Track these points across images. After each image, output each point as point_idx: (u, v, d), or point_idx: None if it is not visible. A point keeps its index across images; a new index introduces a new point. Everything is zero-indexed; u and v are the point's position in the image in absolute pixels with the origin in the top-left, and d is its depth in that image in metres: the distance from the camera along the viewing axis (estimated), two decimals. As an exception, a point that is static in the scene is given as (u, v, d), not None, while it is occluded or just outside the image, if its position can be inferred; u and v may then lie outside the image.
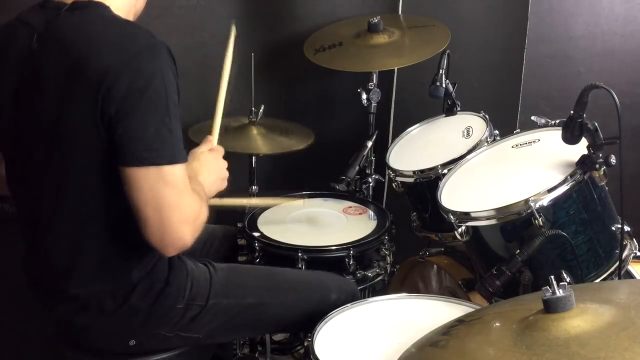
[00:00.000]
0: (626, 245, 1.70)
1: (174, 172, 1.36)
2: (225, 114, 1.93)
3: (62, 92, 1.36)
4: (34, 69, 1.41)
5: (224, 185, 1.66)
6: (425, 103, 2.41)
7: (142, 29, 1.40)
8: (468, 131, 2.14)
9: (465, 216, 1.70)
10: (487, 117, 2.15)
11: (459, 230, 1.71)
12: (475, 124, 2.16)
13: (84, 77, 1.33)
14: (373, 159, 2.44)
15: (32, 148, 1.44)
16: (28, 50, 1.41)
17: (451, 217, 1.72)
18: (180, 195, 1.38)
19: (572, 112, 1.57)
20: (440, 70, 2.23)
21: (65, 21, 1.40)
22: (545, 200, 1.58)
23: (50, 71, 1.38)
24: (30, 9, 1.47)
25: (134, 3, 1.53)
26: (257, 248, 2.03)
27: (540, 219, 1.56)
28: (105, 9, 1.43)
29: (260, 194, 2.43)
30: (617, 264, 1.66)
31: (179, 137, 1.38)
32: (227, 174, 1.67)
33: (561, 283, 1.07)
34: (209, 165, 1.63)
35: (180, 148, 1.38)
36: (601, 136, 1.56)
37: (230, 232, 2.12)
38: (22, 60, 1.42)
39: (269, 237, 2.06)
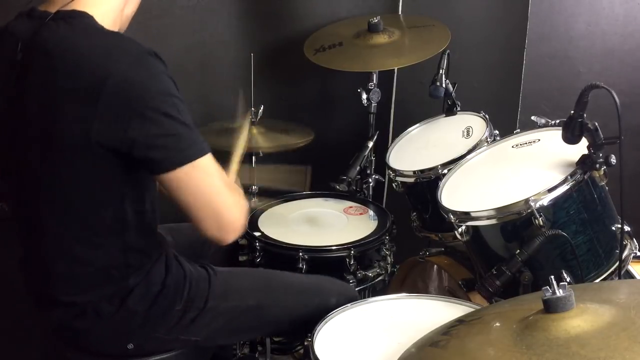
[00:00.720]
0: (626, 245, 1.70)
1: (207, 162, 1.40)
2: (224, 116, 1.94)
3: (51, 103, 1.35)
4: (20, 79, 1.39)
5: None
6: (425, 103, 2.41)
7: (128, 39, 1.40)
8: (468, 131, 2.14)
9: (465, 216, 1.70)
10: (487, 117, 2.15)
11: (459, 230, 1.71)
12: (475, 124, 2.16)
13: (74, 90, 1.33)
14: (373, 159, 2.45)
15: (26, 156, 1.44)
16: (13, 60, 1.40)
17: (451, 217, 1.72)
18: (220, 181, 1.43)
19: (572, 112, 1.57)
20: (440, 70, 2.23)
21: (50, 31, 1.38)
22: (545, 200, 1.58)
23: (36, 82, 1.37)
24: (17, 17, 1.46)
25: (118, 12, 1.49)
26: (258, 248, 2.04)
27: (540, 219, 1.56)
28: (89, 18, 1.41)
29: (260, 194, 2.43)
30: (617, 264, 1.66)
31: (196, 129, 1.41)
32: None
33: (561, 283, 1.07)
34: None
35: (202, 139, 1.41)
36: (601, 136, 1.56)
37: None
38: (8, 70, 1.41)
39: (270, 237, 2.06)
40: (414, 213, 2.24)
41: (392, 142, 2.34)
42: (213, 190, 1.41)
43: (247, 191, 2.42)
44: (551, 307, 1.06)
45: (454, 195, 1.81)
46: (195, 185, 1.39)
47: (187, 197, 1.39)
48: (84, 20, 1.41)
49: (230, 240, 1.46)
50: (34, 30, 1.40)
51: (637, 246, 1.74)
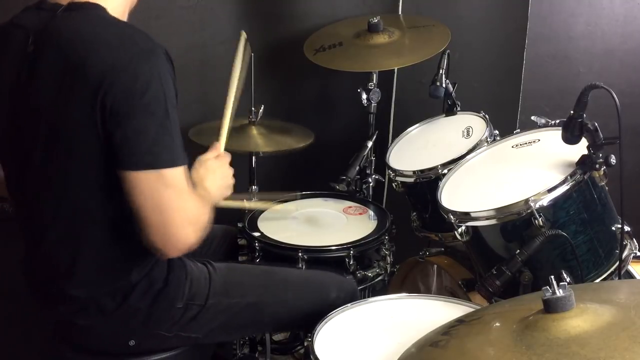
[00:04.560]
0: (626, 245, 1.70)
1: (175, 174, 1.37)
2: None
3: (60, 94, 1.36)
4: (30, 71, 1.40)
5: (229, 191, 1.67)
6: (425, 103, 2.41)
7: (140, 32, 1.40)
8: (468, 131, 2.15)
9: (465, 216, 1.70)
10: (487, 117, 2.15)
11: (459, 230, 1.71)
12: (475, 124, 2.16)
13: (81, 80, 1.33)
14: (373, 159, 2.45)
15: (31, 150, 1.44)
16: (24, 52, 1.41)
17: (451, 217, 1.72)
18: (182, 197, 1.39)
19: (572, 112, 1.58)
20: (440, 70, 2.23)
21: (62, 23, 1.39)
22: (545, 200, 1.58)
23: (47, 73, 1.38)
24: (25, 9, 1.47)
25: (129, 2, 1.51)
26: (257, 248, 2.04)
27: (540, 219, 1.56)
28: (102, 10, 1.42)
29: (260, 194, 2.44)
30: (617, 264, 1.66)
31: (178, 140, 1.39)
32: (232, 180, 1.68)
33: (561, 283, 1.07)
34: (215, 172, 1.63)
35: (180, 151, 1.39)
36: (601, 136, 1.56)
37: (230, 231, 2.12)
38: (18, 62, 1.42)
39: (269, 237, 2.06)
40: (414, 213, 2.24)
41: (392, 142, 2.34)
42: (169, 204, 1.37)
43: (247, 191, 2.43)
44: (551, 307, 1.06)
45: (454, 196, 1.81)
46: (152, 193, 1.36)
47: (141, 202, 1.36)
48: (96, 11, 1.42)
49: (172, 256, 1.45)
50: (45, 22, 1.40)
51: (637, 246, 1.74)
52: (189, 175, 1.43)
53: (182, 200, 1.39)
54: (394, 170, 2.15)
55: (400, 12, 2.74)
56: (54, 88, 1.37)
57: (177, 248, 1.41)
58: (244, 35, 1.87)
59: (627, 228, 1.70)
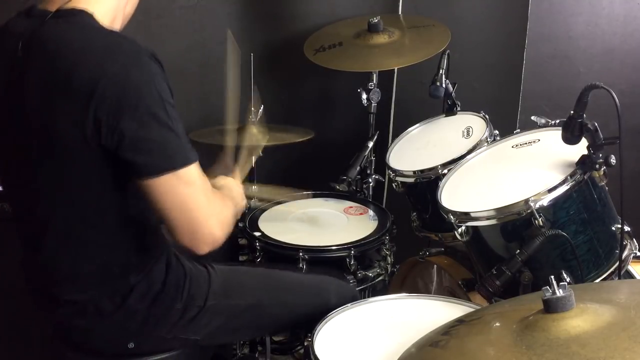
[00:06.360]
0: (626, 245, 1.70)
1: (190, 172, 1.38)
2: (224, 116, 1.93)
3: (49, 102, 1.35)
4: (20, 77, 1.39)
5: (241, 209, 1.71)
6: (425, 103, 2.41)
7: (126, 39, 1.39)
8: (468, 131, 2.15)
9: (465, 216, 1.70)
10: (487, 117, 2.15)
11: (459, 230, 1.71)
12: (475, 124, 2.17)
13: (68, 91, 1.32)
14: (373, 159, 2.45)
15: (25, 155, 1.44)
16: (14, 58, 1.40)
17: (451, 217, 1.72)
18: (201, 193, 1.40)
19: (572, 112, 1.58)
20: (440, 70, 2.23)
21: (50, 30, 1.38)
22: (545, 200, 1.58)
23: (35, 80, 1.37)
24: (17, 16, 1.46)
25: (121, 8, 1.50)
26: (258, 248, 2.04)
27: (540, 219, 1.56)
28: (89, 17, 1.41)
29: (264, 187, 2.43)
30: (617, 264, 1.66)
31: (185, 138, 1.39)
32: (244, 200, 1.72)
33: (561, 283, 1.07)
34: (232, 190, 1.66)
35: (189, 148, 1.39)
36: (601, 136, 1.56)
37: (230, 231, 2.12)
38: (9, 68, 1.41)
39: (270, 237, 2.06)
40: (414, 213, 2.24)
41: (392, 142, 2.34)
42: (191, 202, 1.38)
43: (247, 191, 2.43)
44: (551, 307, 1.06)
45: (454, 196, 1.81)
46: (173, 194, 1.36)
47: (164, 205, 1.37)
48: (84, 18, 1.41)
49: (203, 252, 1.45)
50: (33, 28, 1.40)
51: (637, 246, 1.74)
52: (202, 171, 1.44)
53: (203, 196, 1.41)
54: (394, 170, 2.15)
55: (400, 12, 2.74)
56: (41, 97, 1.36)
57: (206, 243, 1.42)
58: (230, 36, 1.87)
59: (627, 228, 1.70)
